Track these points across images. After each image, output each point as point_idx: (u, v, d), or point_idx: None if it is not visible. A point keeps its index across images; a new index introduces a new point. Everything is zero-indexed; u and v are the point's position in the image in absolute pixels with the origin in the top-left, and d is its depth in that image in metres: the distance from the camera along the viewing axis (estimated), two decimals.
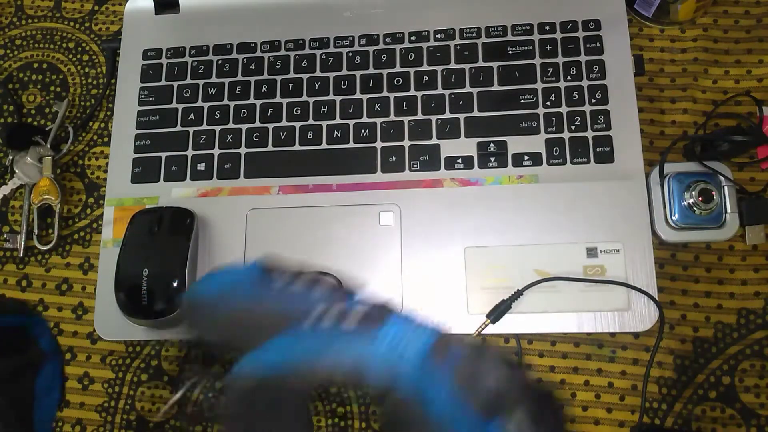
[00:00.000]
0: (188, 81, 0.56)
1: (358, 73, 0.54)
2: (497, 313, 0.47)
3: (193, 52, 0.57)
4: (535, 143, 0.51)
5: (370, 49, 0.55)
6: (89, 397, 0.52)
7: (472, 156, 0.51)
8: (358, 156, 0.52)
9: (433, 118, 0.53)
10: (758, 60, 0.54)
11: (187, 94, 0.56)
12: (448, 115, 0.53)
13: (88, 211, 0.57)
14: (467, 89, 0.53)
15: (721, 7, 0.55)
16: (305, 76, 0.55)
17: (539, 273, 0.48)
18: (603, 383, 0.49)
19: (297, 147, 0.53)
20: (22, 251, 0.55)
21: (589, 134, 0.51)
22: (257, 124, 0.54)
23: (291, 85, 0.55)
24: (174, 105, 0.56)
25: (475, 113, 0.52)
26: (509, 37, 0.54)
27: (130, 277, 0.48)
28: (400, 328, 0.30)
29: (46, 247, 0.55)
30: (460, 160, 0.51)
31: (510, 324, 0.48)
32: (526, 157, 0.51)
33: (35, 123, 0.60)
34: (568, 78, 0.52)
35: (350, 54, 0.55)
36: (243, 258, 0.51)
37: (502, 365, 0.29)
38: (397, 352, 0.29)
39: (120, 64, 0.58)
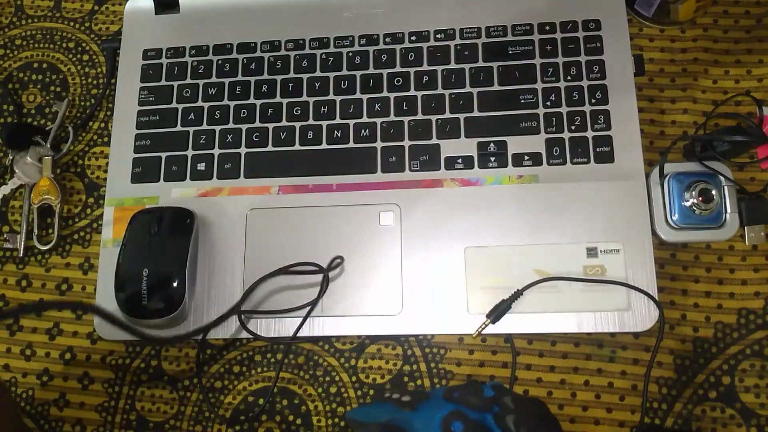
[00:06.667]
0: (188, 81, 0.56)
1: (358, 73, 0.54)
2: (497, 313, 0.47)
3: (193, 52, 0.57)
4: (535, 143, 0.51)
5: (370, 49, 0.55)
6: (89, 397, 0.52)
7: (472, 156, 0.51)
8: (358, 156, 0.52)
9: (433, 118, 0.53)
10: (758, 60, 0.54)
11: (187, 94, 0.56)
12: (448, 115, 0.53)
13: (88, 211, 0.57)
14: (467, 89, 0.53)
15: (721, 7, 0.55)
16: (305, 76, 0.55)
17: (539, 273, 0.48)
18: (603, 383, 0.49)
19: (297, 147, 0.53)
20: (22, 251, 0.55)
21: (589, 134, 0.51)
22: (257, 124, 0.54)
23: (291, 85, 0.55)
24: (174, 105, 0.56)
25: (475, 113, 0.52)
26: (509, 37, 0.54)
27: (130, 277, 0.48)
28: None
29: (46, 247, 0.55)
30: (460, 160, 0.51)
31: (510, 324, 0.48)
32: (526, 157, 0.51)
33: (35, 123, 0.60)
34: (568, 78, 0.52)
35: (350, 54, 0.55)
36: (243, 258, 0.51)
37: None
38: None
39: (120, 64, 0.58)
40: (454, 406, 0.37)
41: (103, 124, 0.59)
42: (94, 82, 0.60)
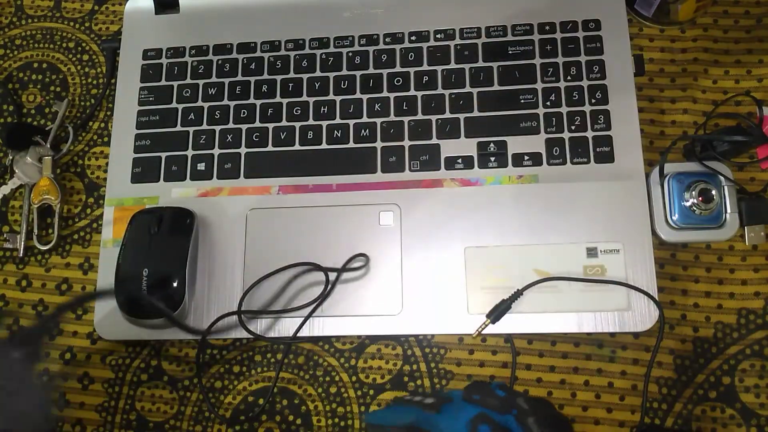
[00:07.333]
0: (188, 81, 0.56)
1: (358, 73, 0.54)
2: (497, 313, 0.47)
3: (193, 52, 0.57)
4: (535, 143, 0.51)
5: (370, 49, 0.55)
6: (89, 397, 0.52)
7: (472, 156, 0.51)
8: (358, 156, 0.52)
9: (433, 118, 0.53)
10: (758, 60, 0.54)
11: (187, 94, 0.56)
12: (448, 115, 0.53)
13: (88, 211, 0.57)
14: (467, 89, 0.53)
15: (721, 7, 0.55)
16: (305, 76, 0.55)
17: (539, 273, 0.48)
18: (603, 383, 0.49)
19: (297, 147, 0.53)
20: (22, 251, 0.55)
21: (589, 134, 0.51)
22: (257, 124, 0.54)
23: (291, 85, 0.55)
24: (174, 105, 0.56)
25: (475, 113, 0.52)
26: (509, 37, 0.54)
27: (130, 277, 0.48)
28: None
29: (46, 247, 0.55)
30: (460, 160, 0.51)
31: (510, 324, 0.48)
32: (526, 157, 0.51)
33: (35, 123, 0.60)
34: (568, 78, 0.52)
35: (350, 54, 0.55)
36: (243, 258, 0.51)
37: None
38: None
39: (120, 64, 0.58)
40: (479, 408, 0.37)
41: (103, 124, 0.59)
42: (94, 82, 0.60)
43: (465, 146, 0.52)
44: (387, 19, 0.56)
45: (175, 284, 0.48)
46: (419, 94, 0.53)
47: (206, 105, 0.55)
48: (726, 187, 0.48)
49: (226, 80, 0.56)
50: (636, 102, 0.51)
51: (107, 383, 0.52)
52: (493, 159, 0.51)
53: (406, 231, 0.50)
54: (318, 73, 0.55)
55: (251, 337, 0.49)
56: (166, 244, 0.49)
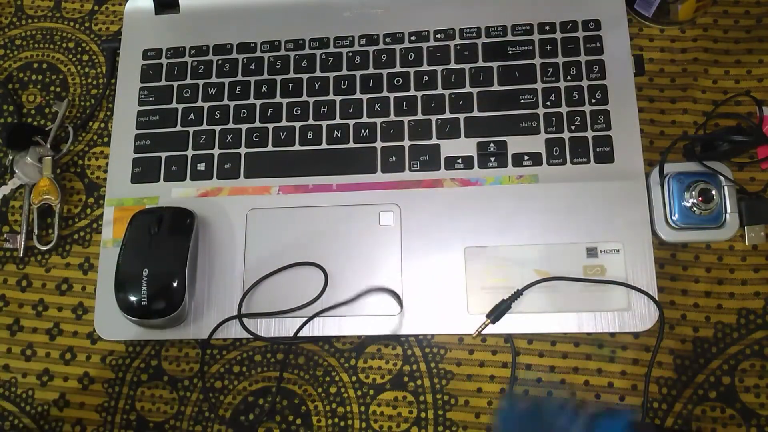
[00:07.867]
0: (188, 81, 0.56)
1: (358, 73, 0.54)
2: (497, 313, 0.47)
3: (193, 52, 0.57)
4: (535, 143, 0.51)
5: (370, 49, 0.55)
6: (89, 397, 0.52)
7: (472, 156, 0.51)
8: (358, 156, 0.52)
9: (433, 118, 0.53)
10: (758, 60, 0.54)
11: (187, 94, 0.56)
12: (448, 115, 0.53)
13: (88, 211, 0.57)
14: (467, 89, 0.53)
15: (721, 7, 0.55)
16: (305, 76, 0.55)
17: (539, 273, 0.48)
18: (603, 383, 0.49)
19: (297, 147, 0.53)
20: (22, 251, 0.55)
21: (589, 134, 0.51)
22: (257, 124, 0.54)
23: (291, 85, 0.55)
24: (174, 105, 0.56)
25: (475, 113, 0.52)
26: (509, 37, 0.54)
27: (130, 277, 0.48)
28: None
29: (46, 247, 0.55)
30: (460, 160, 0.51)
31: (510, 324, 0.48)
32: (526, 157, 0.51)
33: (35, 123, 0.60)
34: (568, 78, 0.52)
35: (350, 54, 0.55)
36: (243, 258, 0.51)
37: None
38: None
39: (120, 64, 0.58)
40: None
41: (103, 124, 0.59)
42: (94, 82, 0.60)
43: (465, 146, 0.52)
44: (387, 19, 0.56)
45: (175, 284, 0.48)
46: (419, 94, 0.53)
47: (206, 105, 0.55)
48: (726, 187, 0.48)
49: (226, 80, 0.56)
50: (636, 102, 0.51)
51: (107, 383, 0.52)
52: (493, 159, 0.51)
53: (406, 231, 0.50)
54: (318, 73, 0.55)
55: (251, 337, 0.49)
56: (166, 244, 0.49)
